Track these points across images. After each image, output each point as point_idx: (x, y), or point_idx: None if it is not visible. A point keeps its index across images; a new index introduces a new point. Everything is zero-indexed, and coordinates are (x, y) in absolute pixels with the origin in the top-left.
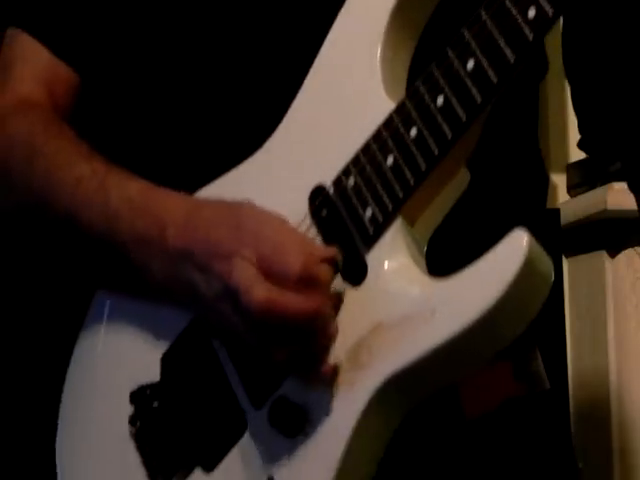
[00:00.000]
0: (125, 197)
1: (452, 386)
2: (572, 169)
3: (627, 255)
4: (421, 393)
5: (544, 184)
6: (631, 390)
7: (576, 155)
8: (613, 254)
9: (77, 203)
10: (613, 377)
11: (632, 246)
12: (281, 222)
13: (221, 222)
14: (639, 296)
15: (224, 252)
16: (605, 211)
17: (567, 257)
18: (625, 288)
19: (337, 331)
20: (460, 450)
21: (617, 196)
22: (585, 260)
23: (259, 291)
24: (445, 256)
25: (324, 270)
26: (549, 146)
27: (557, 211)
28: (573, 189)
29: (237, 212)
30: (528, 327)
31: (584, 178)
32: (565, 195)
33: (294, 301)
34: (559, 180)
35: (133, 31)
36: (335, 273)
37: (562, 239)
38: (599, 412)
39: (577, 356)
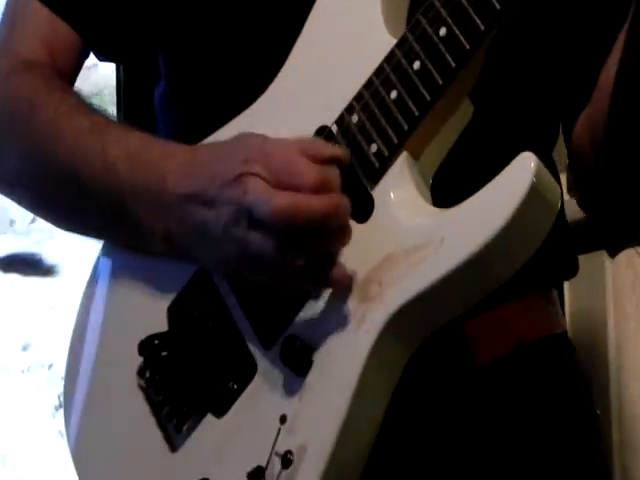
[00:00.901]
0: (123, 149)
1: (460, 332)
2: None
3: (627, 255)
4: (433, 323)
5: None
6: (631, 390)
7: None
8: (613, 254)
9: (76, 154)
10: (613, 377)
11: (632, 246)
12: (283, 139)
13: (221, 153)
14: (639, 296)
15: (231, 177)
16: None
17: None
18: (625, 288)
19: (351, 232)
20: (471, 397)
21: None
22: (585, 260)
23: (279, 197)
24: (450, 190)
25: (333, 173)
26: None
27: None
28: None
29: (236, 140)
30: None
31: None
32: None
33: (315, 202)
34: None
35: None
36: (345, 172)
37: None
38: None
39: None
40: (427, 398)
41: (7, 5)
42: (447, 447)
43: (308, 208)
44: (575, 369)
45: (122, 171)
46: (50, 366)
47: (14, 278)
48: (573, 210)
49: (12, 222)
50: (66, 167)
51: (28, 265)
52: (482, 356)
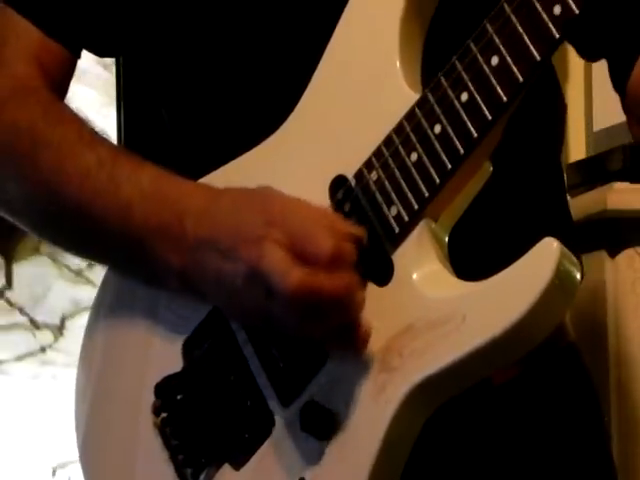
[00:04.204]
0: (136, 189)
1: None
2: (572, 169)
3: (627, 255)
4: (452, 392)
5: (560, 179)
6: (631, 391)
7: (576, 155)
8: (613, 254)
9: (87, 195)
10: (613, 378)
11: (632, 246)
12: (305, 203)
13: (244, 207)
14: (639, 296)
15: (252, 236)
16: (605, 211)
17: None
18: (625, 288)
19: (364, 301)
20: (491, 416)
21: (617, 196)
22: (585, 260)
23: (293, 274)
24: (467, 248)
25: (349, 249)
26: None
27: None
28: (573, 189)
29: (259, 196)
30: None
31: (584, 178)
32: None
33: (327, 282)
34: None
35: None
36: (360, 250)
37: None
38: None
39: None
40: (447, 423)
41: None
42: (466, 465)
43: (318, 289)
44: (583, 376)
45: (137, 210)
46: None
47: None
48: (573, 210)
49: None
50: (76, 208)
51: None
52: (498, 376)
